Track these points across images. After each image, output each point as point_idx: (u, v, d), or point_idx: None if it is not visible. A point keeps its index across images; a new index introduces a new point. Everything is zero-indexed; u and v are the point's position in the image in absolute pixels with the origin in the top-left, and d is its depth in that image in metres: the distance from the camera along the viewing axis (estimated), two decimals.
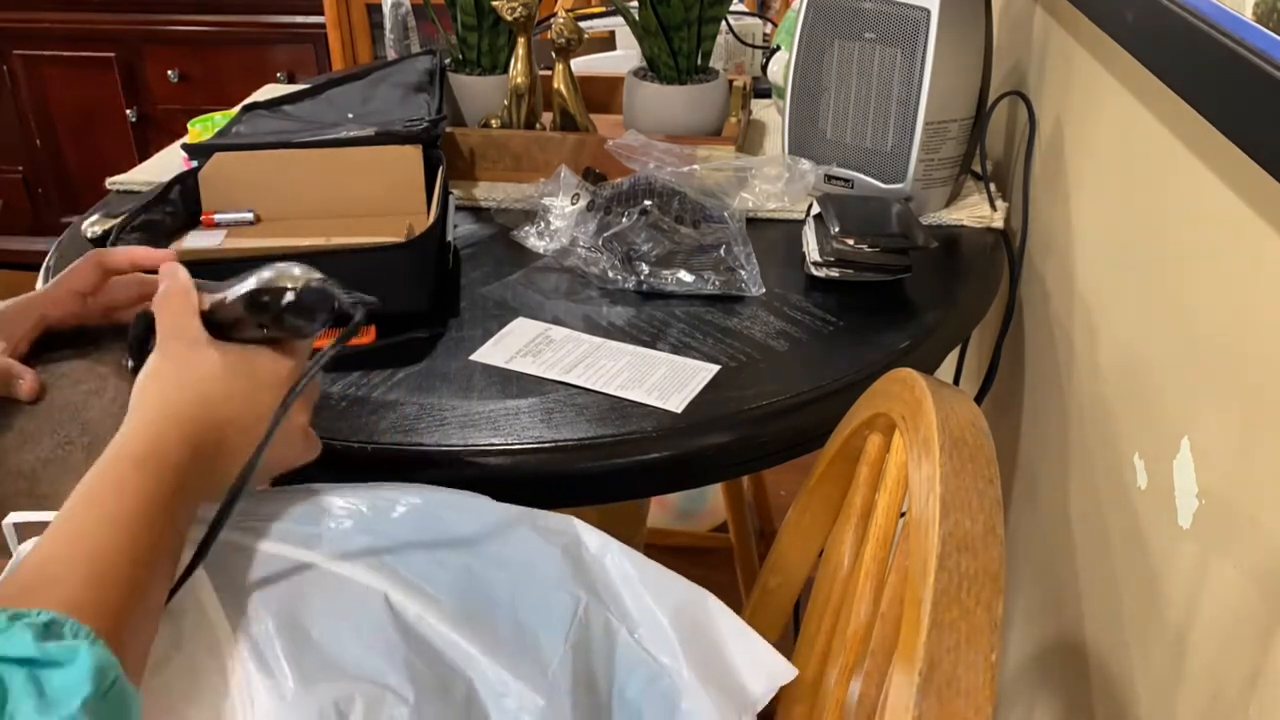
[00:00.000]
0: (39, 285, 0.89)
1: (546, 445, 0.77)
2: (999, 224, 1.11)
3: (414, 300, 0.91)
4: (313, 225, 1.03)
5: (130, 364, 0.63)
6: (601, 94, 1.35)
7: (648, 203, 1.01)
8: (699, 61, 1.24)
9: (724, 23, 1.40)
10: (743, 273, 0.98)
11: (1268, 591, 0.57)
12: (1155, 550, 0.71)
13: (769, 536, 1.77)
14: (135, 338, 0.63)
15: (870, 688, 0.65)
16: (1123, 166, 0.84)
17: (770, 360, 0.87)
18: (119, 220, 0.94)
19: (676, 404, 0.80)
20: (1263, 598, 0.57)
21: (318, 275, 0.60)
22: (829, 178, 1.15)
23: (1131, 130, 0.82)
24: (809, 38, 1.12)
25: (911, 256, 0.97)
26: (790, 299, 0.97)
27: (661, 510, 1.88)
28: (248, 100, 1.26)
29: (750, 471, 1.54)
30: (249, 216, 1.04)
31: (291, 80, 2.38)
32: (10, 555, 0.54)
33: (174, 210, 1.01)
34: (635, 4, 1.22)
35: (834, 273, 0.97)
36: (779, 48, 1.32)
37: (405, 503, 0.64)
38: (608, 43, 1.59)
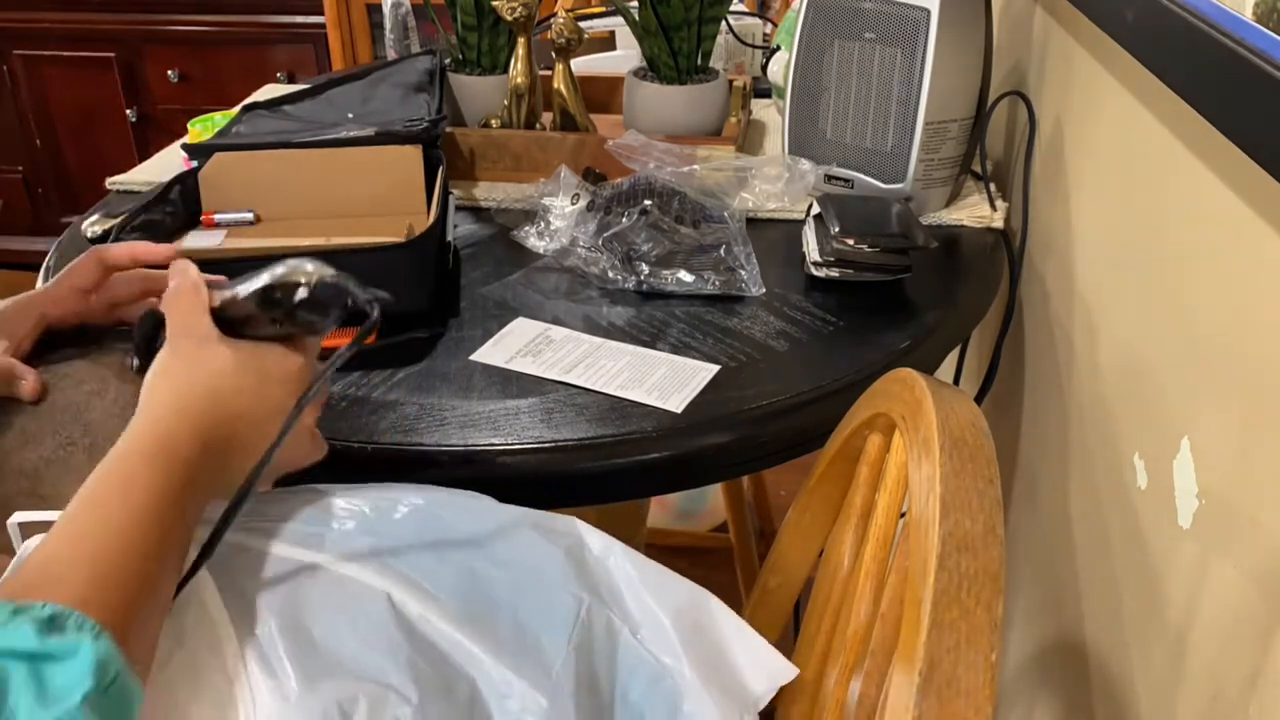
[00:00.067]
0: (39, 285, 0.89)
1: (546, 445, 0.77)
2: (999, 224, 1.11)
3: (414, 300, 0.91)
4: (313, 225, 1.03)
5: (136, 362, 0.63)
6: (601, 94, 1.35)
7: (648, 203, 1.01)
8: (699, 61, 1.24)
9: (724, 23, 1.40)
10: (743, 273, 0.98)
11: (1268, 591, 0.57)
12: (1155, 550, 0.71)
13: (769, 536, 1.77)
14: (142, 336, 0.62)
15: (870, 688, 0.65)
16: (1123, 166, 0.84)
17: (770, 360, 0.87)
18: (119, 220, 0.94)
19: (676, 404, 0.80)
20: (1263, 598, 0.57)
21: (331, 271, 0.60)
22: (829, 178, 1.15)
23: (1131, 130, 0.82)
24: (809, 38, 1.12)
25: (911, 256, 0.97)
26: (790, 299, 0.97)
27: (661, 510, 1.88)
28: (248, 100, 1.26)
29: (750, 471, 1.54)
30: (249, 216, 1.04)
31: (291, 80, 2.38)
32: (14, 555, 0.54)
33: (174, 210, 1.01)
34: (635, 4, 1.22)
35: (834, 273, 0.97)
36: (779, 48, 1.32)
37: (408, 503, 0.64)
38: (608, 43, 1.59)
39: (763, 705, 0.67)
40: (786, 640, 0.81)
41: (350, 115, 1.17)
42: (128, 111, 2.55)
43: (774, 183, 1.12)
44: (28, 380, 0.61)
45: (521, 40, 1.18)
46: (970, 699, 0.47)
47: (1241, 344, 0.61)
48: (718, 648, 0.67)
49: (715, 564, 1.72)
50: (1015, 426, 1.12)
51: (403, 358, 0.87)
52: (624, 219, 1.00)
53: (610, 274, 0.98)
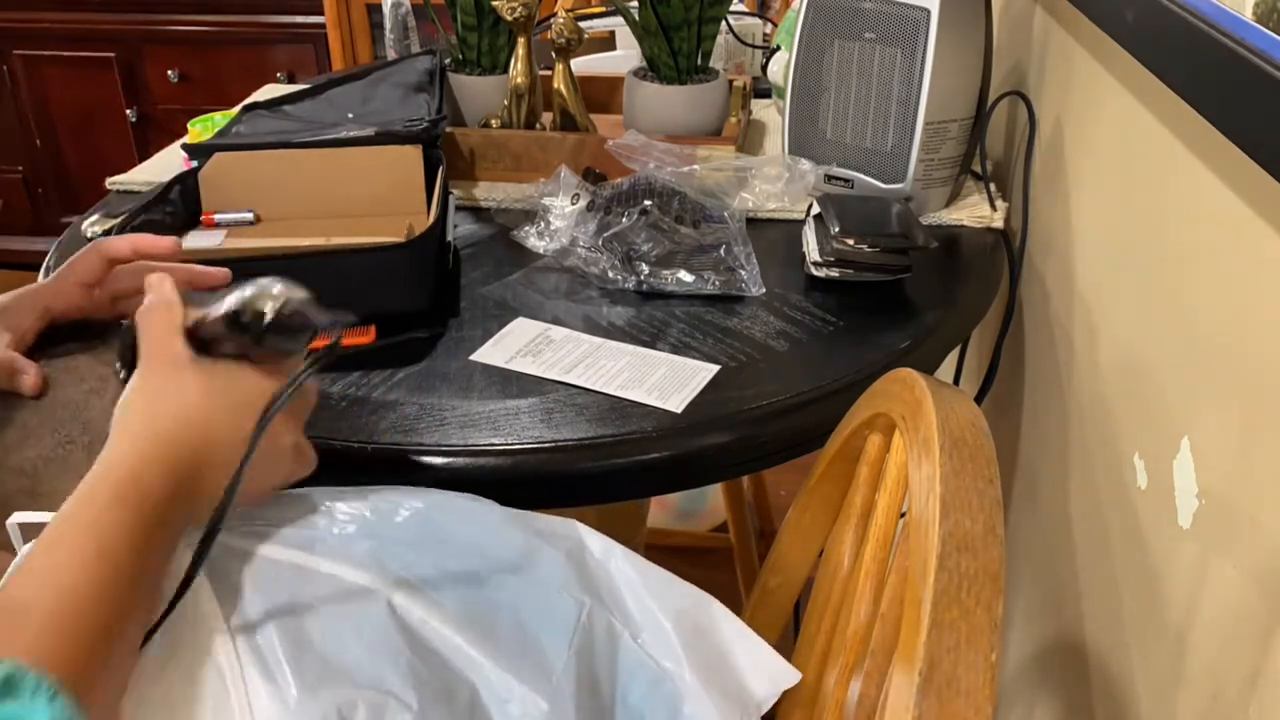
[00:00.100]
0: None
1: (546, 445, 0.77)
2: (999, 224, 1.11)
3: (414, 300, 0.91)
4: (313, 225, 1.03)
5: (122, 372, 0.62)
6: (601, 94, 1.35)
7: (648, 203, 1.01)
8: (699, 61, 1.24)
9: (724, 23, 1.40)
10: (743, 273, 0.98)
11: (1268, 591, 0.57)
12: (1155, 550, 0.71)
13: (769, 536, 1.77)
14: (126, 346, 0.61)
15: (870, 688, 0.65)
16: (1123, 166, 0.84)
17: (770, 360, 0.87)
18: (119, 220, 0.94)
19: (676, 404, 0.80)
20: (1263, 598, 0.57)
21: (299, 294, 0.58)
22: (829, 178, 1.15)
23: (1131, 130, 0.82)
24: (809, 38, 1.12)
25: (911, 256, 0.97)
26: (790, 299, 0.97)
27: (661, 510, 1.88)
28: (248, 100, 1.26)
29: (750, 471, 1.54)
30: (249, 216, 1.04)
31: (291, 80, 2.38)
32: (15, 553, 0.54)
33: (174, 210, 1.01)
34: (635, 4, 1.22)
35: (834, 273, 0.97)
36: (779, 48, 1.32)
37: (408, 507, 0.64)
38: (608, 43, 1.59)
39: (765, 709, 0.66)
40: (786, 640, 0.81)
41: (350, 115, 1.17)
42: (128, 111, 2.55)
43: (774, 183, 1.12)
44: (29, 375, 0.61)
45: (521, 40, 1.18)
46: (970, 699, 0.47)
47: (1241, 344, 0.61)
48: (719, 651, 0.67)
49: (715, 564, 1.72)
50: (1015, 426, 1.12)
51: (403, 358, 0.87)
52: (624, 219, 1.00)
53: (610, 274, 0.98)
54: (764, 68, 1.37)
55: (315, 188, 1.04)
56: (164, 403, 0.56)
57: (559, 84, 1.20)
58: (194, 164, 1.06)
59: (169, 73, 2.51)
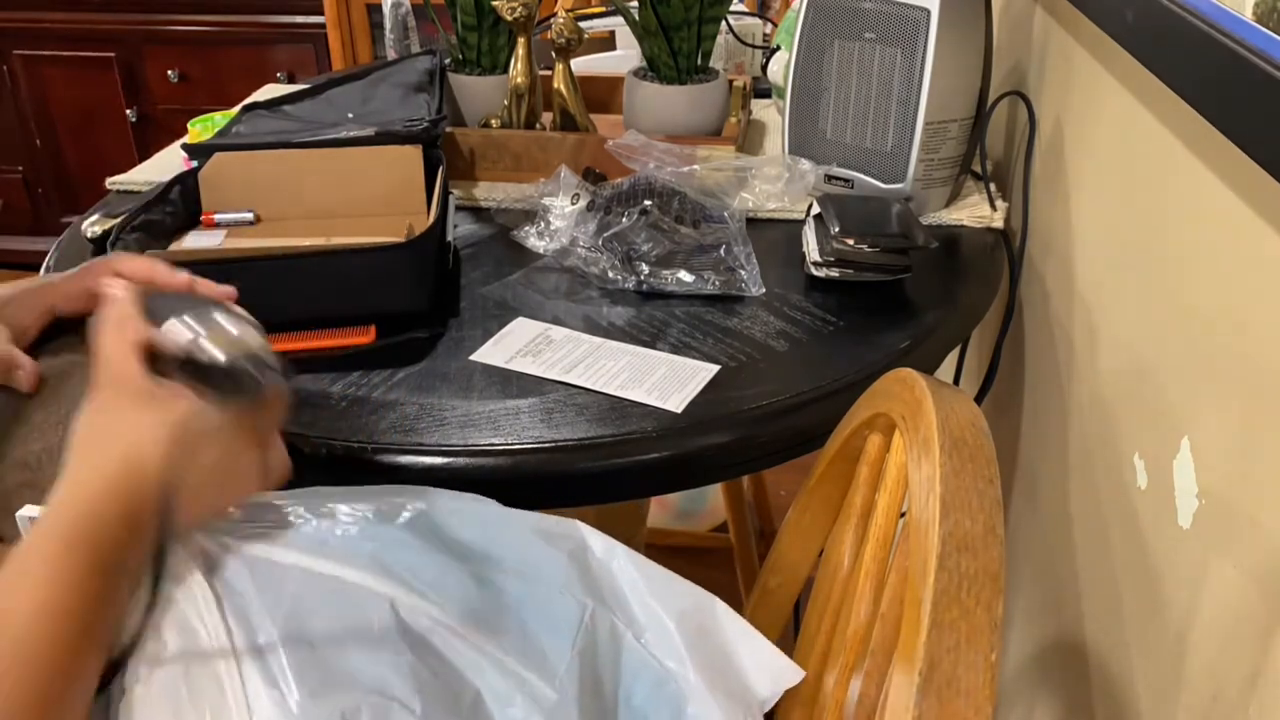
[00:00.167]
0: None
1: (546, 445, 0.77)
2: (999, 224, 1.11)
3: (414, 300, 0.91)
4: (313, 225, 1.03)
5: None
6: (601, 94, 1.35)
7: (648, 203, 1.01)
8: (699, 61, 1.24)
9: (724, 23, 1.40)
10: (743, 273, 0.98)
11: (1268, 591, 0.57)
12: (1155, 550, 0.71)
13: (769, 536, 1.77)
14: None
15: (870, 688, 0.65)
16: (1123, 166, 0.84)
17: (770, 360, 0.87)
18: (119, 220, 0.94)
19: (676, 404, 0.80)
20: (1263, 598, 0.57)
21: (253, 345, 0.58)
22: (829, 178, 1.15)
23: (1131, 130, 0.82)
24: (809, 38, 1.12)
25: (911, 256, 0.97)
26: (790, 299, 0.97)
27: (661, 510, 1.88)
28: (248, 100, 1.26)
29: (750, 471, 1.54)
30: (249, 216, 1.04)
31: (291, 80, 2.39)
32: None
33: (174, 210, 1.01)
34: (635, 4, 1.22)
35: (834, 273, 0.97)
36: (779, 48, 1.32)
37: (411, 508, 0.64)
38: (608, 43, 1.59)
39: (768, 708, 0.66)
40: (786, 640, 0.81)
41: (350, 115, 1.17)
42: (128, 111, 2.55)
43: (774, 183, 1.12)
44: (25, 370, 0.61)
45: (521, 40, 1.18)
46: (970, 699, 0.47)
47: (1241, 344, 0.61)
48: (722, 651, 0.67)
49: (715, 564, 1.72)
50: (1015, 426, 1.12)
51: (403, 358, 0.87)
52: (624, 219, 1.00)
53: (610, 274, 0.98)
54: (764, 68, 1.37)
55: (315, 188, 1.04)
56: (113, 449, 0.53)
57: (559, 84, 1.20)
58: (194, 164, 1.06)
59: (169, 73, 2.51)
